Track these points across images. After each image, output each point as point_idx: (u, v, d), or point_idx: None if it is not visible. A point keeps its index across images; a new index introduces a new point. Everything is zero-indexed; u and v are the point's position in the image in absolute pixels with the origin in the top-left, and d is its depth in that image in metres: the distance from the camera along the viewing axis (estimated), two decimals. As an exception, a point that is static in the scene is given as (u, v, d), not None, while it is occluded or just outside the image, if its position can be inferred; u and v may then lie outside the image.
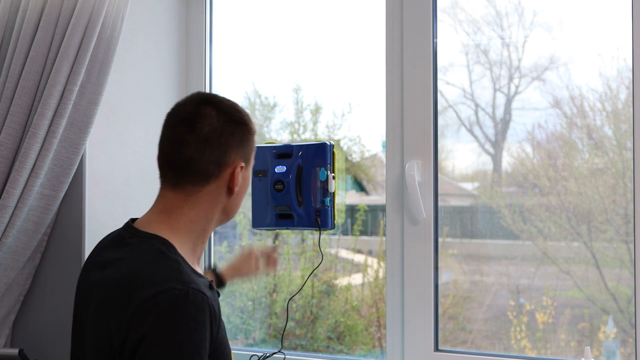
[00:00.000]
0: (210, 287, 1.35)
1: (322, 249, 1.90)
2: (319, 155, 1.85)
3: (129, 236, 1.37)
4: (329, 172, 1.83)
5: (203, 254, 1.48)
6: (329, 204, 1.83)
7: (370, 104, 2.49)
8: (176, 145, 1.36)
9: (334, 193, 1.84)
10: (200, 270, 1.42)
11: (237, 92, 2.69)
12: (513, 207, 2.21)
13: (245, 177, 1.43)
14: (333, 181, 1.83)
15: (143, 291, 1.22)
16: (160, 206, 1.39)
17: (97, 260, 1.39)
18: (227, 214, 1.44)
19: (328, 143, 1.84)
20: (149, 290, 1.21)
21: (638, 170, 1.71)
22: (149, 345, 1.19)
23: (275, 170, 1.87)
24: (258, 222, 1.94)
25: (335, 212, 1.86)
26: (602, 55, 2.03)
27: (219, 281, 1.83)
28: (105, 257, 1.37)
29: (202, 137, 1.35)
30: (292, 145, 1.87)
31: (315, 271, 2.58)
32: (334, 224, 1.87)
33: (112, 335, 1.23)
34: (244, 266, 1.84)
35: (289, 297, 2.10)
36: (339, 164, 2.28)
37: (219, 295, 1.44)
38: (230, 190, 1.39)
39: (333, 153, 1.85)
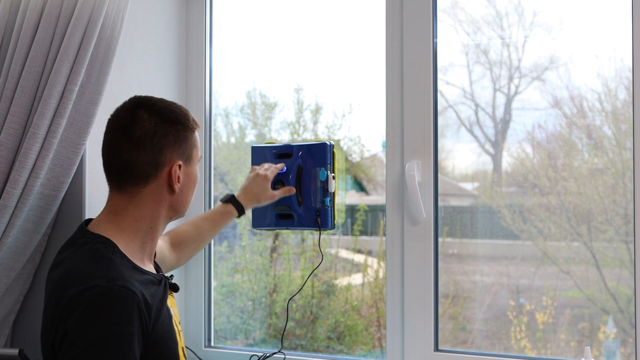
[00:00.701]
0: (159, 282, 1.44)
1: (322, 249, 1.90)
2: (319, 155, 1.85)
3: (78, 237, 1.44)
4: (329, 172, 1.83)
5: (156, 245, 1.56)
6: (329, 204, 1.83)
7: (370, 104, 2.49)
8: (112, 151, 1.45)
9: (334, 193, 1.84)
10: (150, 266, 1.50)
11: (238, 92, 2.69)
12: (513, 207, 2.21)
13: (188, 173, 1.50)
14: (333, 181, 1.83)
15: (72, 289, 1.29)
16: (108, 207, 1.47)
17: (53, 261, 1.47)
18: (176, 210, 1.51)
19: (328, 143, 1.84)
20: (77, 287, 1.29)
21: (638, 170, 1.71)
22: (71, 340, 1.26)
23: None
24: (258, 222, 1.94)
25: (336, 212, 1.86)
26: (601, 56, 2.03)
27: (239, 209, 1.84)
28: (57, 258, 1.45)
29: (135, 140, 1.42)
30: (292, 145, 1.87)
31: (315, 271, 2.58)
32: (334, 224, 1.86)
33: (49, 331, 1.33)
34: (255, 189, 1.83)
35: (289, 297, 2.10)
36: (339, 164, 2.28)
37: (173, 289, 1.54)
38: (171, 188, 1.45)
39: (333, 153, 1.85)
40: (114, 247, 1.39)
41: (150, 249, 1.50)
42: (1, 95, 1.69)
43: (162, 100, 1.50)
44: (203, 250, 2.22)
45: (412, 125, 1.93)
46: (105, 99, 1.86)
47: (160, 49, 2.15)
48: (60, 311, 1.30)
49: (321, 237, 1.89)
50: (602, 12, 1.98)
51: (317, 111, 2.72)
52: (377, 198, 2.94)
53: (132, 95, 2.03)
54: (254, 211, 1.93)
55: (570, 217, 2.19)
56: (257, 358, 2.02)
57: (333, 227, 1.86)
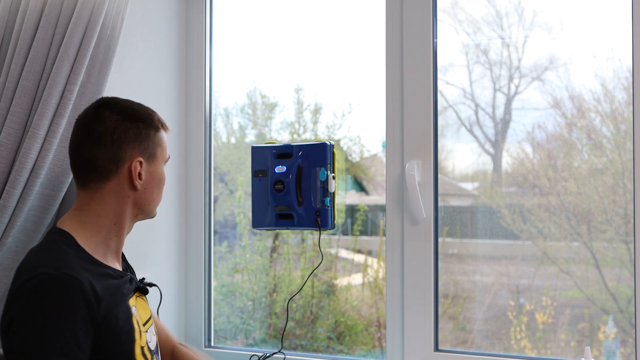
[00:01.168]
0: (120, 278, 1.46)
1: (322, 249, 1.90)
2: (319, 155, 1.85)
3: (49, 232, 1.50)
4: (329, 172, 1.83)
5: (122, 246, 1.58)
6: (329, 204, 1.83)
7: (370, 104, 2.49)
8: (75, 148, 1.49)
9: (334, 193, 1.84)
10: (116, 263, 1.53)
11: (238, 92, 2.69)
12: (513, 207, 2.21)
13: (151, 171, 1.53)
14: (333, 181, 1.83)
15: (22, 277, 1.34)
16: (75, 204, 1.51)
17: None
18: (141, 208, 1.54)
19: (328, 143, 1.84)
20: (25, 275, 1.34)
21: (637, 170, 1.71)
22: (16, 326, 1.31)
23: (275, 170, 1.87)
24: (258, 222, 1.94)
25: (336, 212, 1.86)
26: (598, 56, 2.03)
27: None
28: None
29: (96, 137, 1.46)
30: (292, 145, 1.87)
31: (315, 271, 2.58)
32: (334, 224, 1.86)
33: (2, 319, 1.37)
34: None
35: (289, 298, 2.10)
36: (339, 164, 2.28)
37: (142, 291, 1.56)
38: (132, 185, 1.49)
39: (333, 153, 1.85)
40: (70, 239, 1.43)
41: (116, 246, 1.52)
42: (1, 95, 1.69)
43: (127, 101, 1.54)
44: (203, 250, 2.22)
45: (412, 125, 1.93)
46: (105, 99, 1.86)
47: (160, 49, 2.15)
48: (9, 299, 1.36)
49: (321, 237, 1.89)
50: (602, 13, 1.98)
51: (317, 111, 2.72)
52: (377, 198, 2.94)
53: (132, 95, 2.03)
54: (254, 211, 1.93)
55: (570, 217, 2.19)
56: (257, 358, 2.02)
57: (333, 227, 1.86)
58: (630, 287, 2.10)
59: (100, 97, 1.56)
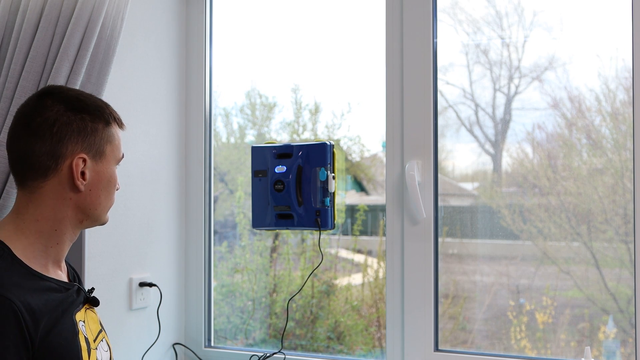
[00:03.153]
0: (65, 291, 1.30)
1: (322, 249, 1.90)
2: (319, 155, 1.84)
3: None
4: (329, 172, 1.83)
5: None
6: (329, 204, 1.83)
7: (370, 103, 2.49)
8: (11, 141, 1.33)
9: (334, 193, 1.84)
10: (58, 273, 1.36)
11: (237, 92, 2.69)
12: (513, 207, 2.21)
13: (98, 171, 1.34)
14: (333, 181, 1.83)
15: None
16: (14, 206, 1.35)
17: None
18: (86, 213, 1.35)
19: (328, 143, 1.84)
20: None
21: (637, 170, 1.71)
22: None
23: (275, 170, 1.87)
24: (258, 222, 1.93)
25: (336, 212, 1.86)
26: (600, 56, 2.03)
27: None
28: None
29: (33, 129, 1.28)
30: (292, 145, 1.87)
31: (315, 271, 2.58)
32: (334, 224, 1.86)
33: None
34: None
35: (289, 298, 2.10)
36: (339, 164, 2.28)
37: (93, 303, 1.39)
38: (74, 185, 1.31)
39: (333, 153, 1.85)
40: (4, 250, 1.26)
41: (56, 254, 1.34)
42: (1, 95, 1.68)
43: (74, 90, 1.38)
44: (203, 250, 2.22)
45: (412, 125, 1.93)
46: (105, 99, 1.86)
47: (160, 49, 2.15)
48: None
49: (321, 237, 1.89)
50: (603, 12, 1.98)
51: (316, 111, 2.72)
52: (377, 198, 2.94)
53: (132, 95, 2.03)
54: (254, 211, 1.93)
55: (570, 217, 2.19)
56: (257, 358, 2.02)
57: (333, 227, 1.86)
58: (630, 287, 2.10)
59: (47, 85, 1.39)
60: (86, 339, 1.32)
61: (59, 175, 1.30)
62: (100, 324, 1.46)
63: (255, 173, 1.91)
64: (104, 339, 1.43)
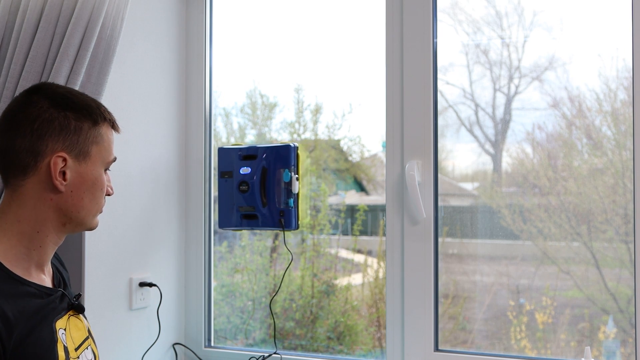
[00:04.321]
0: (47, 296, 1.27)
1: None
2: (282, 157, 1.89)
3: None
4: (292, 173, 1.87)
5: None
6: (292, 205, 1.88)
7: (370, 104, 2.49)
8: None
9: (297, 194, 1.88)
10: (41, 277, 1.31)
11: (238, 92, 2.69)
12: (513, 207, 2.21)
13: (81, 172, 1.28)
14: (297, 182, 1.87)
15: None
16: None
17: None
18: (68, 215, 1.29)
19: (292, 145, 1.89)
20: None
21: (638, 170, 1.71)
22: None
23: (240, 172, 1.92)
24: (224, 222, 1.99)
25: (301, 212, 1.91)
26: (601, 56, 2.03)
27: None
28: None
29: (15, 123, 1.25)
30: (257, 147, 1.92)
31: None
32: (298, 224, 1.91)
33: None
34: None
35: (271, 297, 2.13)
36: (338, 163, 2.29)
37: (78, 310, 1.35)
38: (53, 185, 1.25)
39: (297, 155, 1.89)
40: None
41: (39, 258, 1.29)
42: (1, 95, 1.68)
43: (65, 87, 1.33)
44: (203, 250, 2.22)
45: (412, 125, 1.93)
46: (105, 99, 1.86)
47: (160, 49, 2.15)
48: None
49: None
50: (604, 12, 1.98)
51: (317, 111, 2.72)
52: (377, 198, 2.94)
53: (132, 95, 2.03)
54: (220, 211, 1.97)
55: (570, 217, 2.19)
56: (255, 359, 2.03)
57: (297, 227, 1.91)
58: (630, 287, 2.10)
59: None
60: (65, 348, 1.27)
61: (39, 174, 1.25)
62: (88, 330, 1.41)
63: (222, 174, 1.97)
64: (89, 347, 1.38)
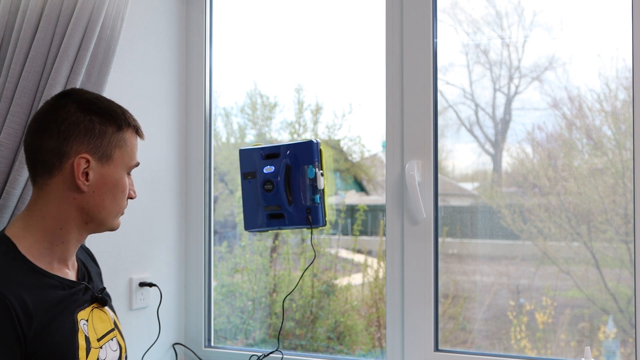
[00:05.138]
0: (69, 288, 1.33)
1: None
2: (306, 153, 1.84)
3: None
4: (317, 169, 1.83)
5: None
6: (319, 201, 1.83)
7: (371, 104, 2.49)
8: (26, 137, 1.38)
9: (323, 190, 1.83)
10: (65, 271, 1.37)
11: (238, 92, 2.69)
12: (513, 207, 2.21)
13: (103, 174, 1.35)
14: (322, 178, 1.82)
15: None
16: (28, 203, 1.38)
17: None
18: (90, 214, 1.36)
19: (314, 141, 1.84)
20: None
21: (638, 170, 1.71)
22: None
23: (264, 171, 1.87)
24: (250, 224, 1.93)
25: (327, 208, 1.86)
26: (601, 56, 2.03)
27: None
28: None
29: (44, 126, 1.33)
30: (279, 145, 1.88)
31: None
32: (325, 220, 1.86)
33: None
34: None
35: (285, 295, 2.10)
36: (338, 163, 2.29)
37: (101, 302, 1.41)
38: (76, 185, 1.32)
39: (320, 150, 1.85)
40: (9, 246, 1.30)
41: (62, 253, 1.36)
42: (1, 95, 1.69)
43: (93, 94, 1.40)
44: (203, 250, 2.22)
45: (412, 125, 1.93)
46: (105, 99, 1.86)
47: (160, 49, 2.15)
48: None
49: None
50: (604, 12, 1.98)
51: (317, 111, 2.72)
52: (377, 198, 2.94)
53: (132, 95, 2.03)
54: (246, 213, 1.93)
55: (570, 217, 2.19)
56: (257, 358, 2.03)
57: (324, 223, 1.85)
58: (630, 287, 2.10)
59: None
60: (86, 338, 1.33)
61: (63, 174, 1.32)
62: (115, 323, 1.47)
63: (245, 175, 1.91)
64: (114, 338, 1.44)
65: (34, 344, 1.23)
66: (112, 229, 1.42)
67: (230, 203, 2.75)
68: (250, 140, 2.80)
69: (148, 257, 2.10)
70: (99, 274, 1.60)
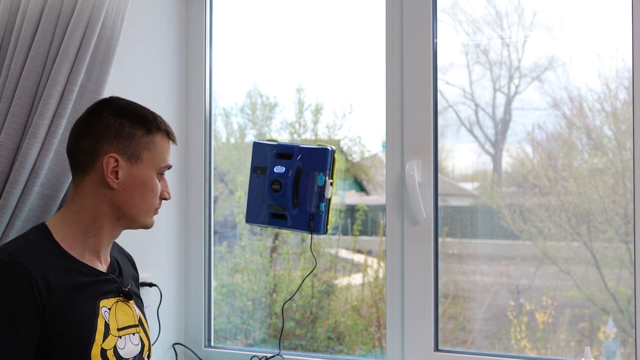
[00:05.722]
0: (95, 276, 1.43)
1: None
2: (319, 160, 1.81)
3: None
4: (327, 177, 1.80)
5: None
6: (323, 210, 1.80)
7: (371, 104, 2.49)
8: (68, 139, 1.51)
9: (329, 199, 1.82)
10: (96, 262, 1.48)
11: (238, 92, 2.69)
12: (513, 207, 2.21)
13: (133, 173, 1.46)
14: (330, 187, 1.80)
15: None
16: (67, 198, 1.52)
17: None
18: (121, 210, 1.47)
19: (329, 148, 1.81)
20: None
21: (638, 170, 1.71)
22: None
23: (274, 170, 1.85)
24: (251, 217, 1.91)
25: (330, 217, 1.84)
26: (601, 56, 2.03)
27: None
28: None
29: (81, 128, 1.48)
30: (294, 147, 1.84)
31: (315, 271, 2.58)
32: (327, 229, 1.84)
33: None
34: None
35: (285, 301, 2.09)
36: (339, 164, 2.28)
37: (126, 296, 1.50)
38: (106, 182, 1.44)
39: (334, 159, 1.82)
40: (45, 232, 1.43)
41: (94, 245, 1.48)
42: (1, 95, 1.68)
43: (127, 101, 1.52)
44: (203, 250, 2.22)
45: (412, 125, 1.93)
46: (105, 99, 1.86)
47: (160, 49, 2.15)
48: None
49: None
50: (603, 12, 1.98)
51: (317, 111, 2.72)
52: (377, 198, 2.94)
53: (132, 95, 2.03)
54: (249, 206, 1.92)
55: (570, 217, 2.19)
56: (258, 359, 2.03)
57: (325, 232, 1.83)
58: (630, 287, 2.10)
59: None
60: (106, 324, 1.42)
61: (96, 172, 1.45)
62: (140, 320, 1.54)
63: (254, 169, 1.89)
64: (136, 334, 1.51)
65: (53, 319, 1.33)
66: (146, 227, 1.52)
67: (230, 203, 2.76)
68: (250, 140, 2.80)
69: (148, 257, 2.10)
70: (136, 279, 1.68)
